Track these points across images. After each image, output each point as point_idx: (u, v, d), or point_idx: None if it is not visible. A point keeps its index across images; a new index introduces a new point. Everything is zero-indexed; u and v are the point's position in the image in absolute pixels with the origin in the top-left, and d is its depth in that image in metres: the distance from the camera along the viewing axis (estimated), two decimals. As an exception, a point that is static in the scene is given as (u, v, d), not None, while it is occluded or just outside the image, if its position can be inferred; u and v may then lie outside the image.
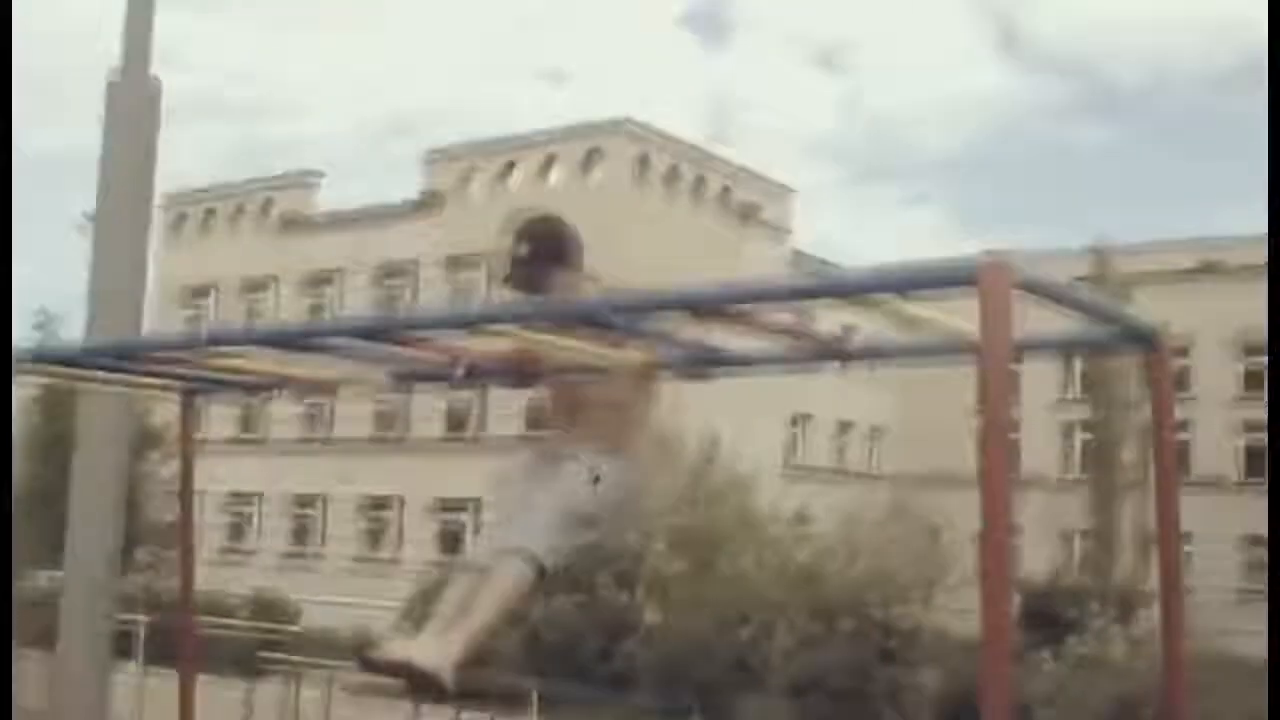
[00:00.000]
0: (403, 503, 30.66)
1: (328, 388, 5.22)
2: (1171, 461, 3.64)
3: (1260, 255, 33.51)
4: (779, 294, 3.20)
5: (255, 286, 34.77)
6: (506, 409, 27.85)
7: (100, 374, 4.68)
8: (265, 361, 4.37)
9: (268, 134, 75.65)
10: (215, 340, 4.28)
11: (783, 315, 3.61)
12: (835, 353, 3.82)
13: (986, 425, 2.55)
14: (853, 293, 2.94)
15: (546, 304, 3.75)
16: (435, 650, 3.64)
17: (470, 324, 3.86)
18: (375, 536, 31.43)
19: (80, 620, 6.36)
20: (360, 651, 3.94)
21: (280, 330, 4.25)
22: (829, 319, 3.65)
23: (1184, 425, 32.66)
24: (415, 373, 4.44)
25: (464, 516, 29.48)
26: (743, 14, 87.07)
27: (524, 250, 3.93)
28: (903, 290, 2.87)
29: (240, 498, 32.32)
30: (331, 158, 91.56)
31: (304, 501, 32.12)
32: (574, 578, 20.16)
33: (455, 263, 31.34)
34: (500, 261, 3.97)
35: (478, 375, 4.22)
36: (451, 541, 29.49)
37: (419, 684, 3.59)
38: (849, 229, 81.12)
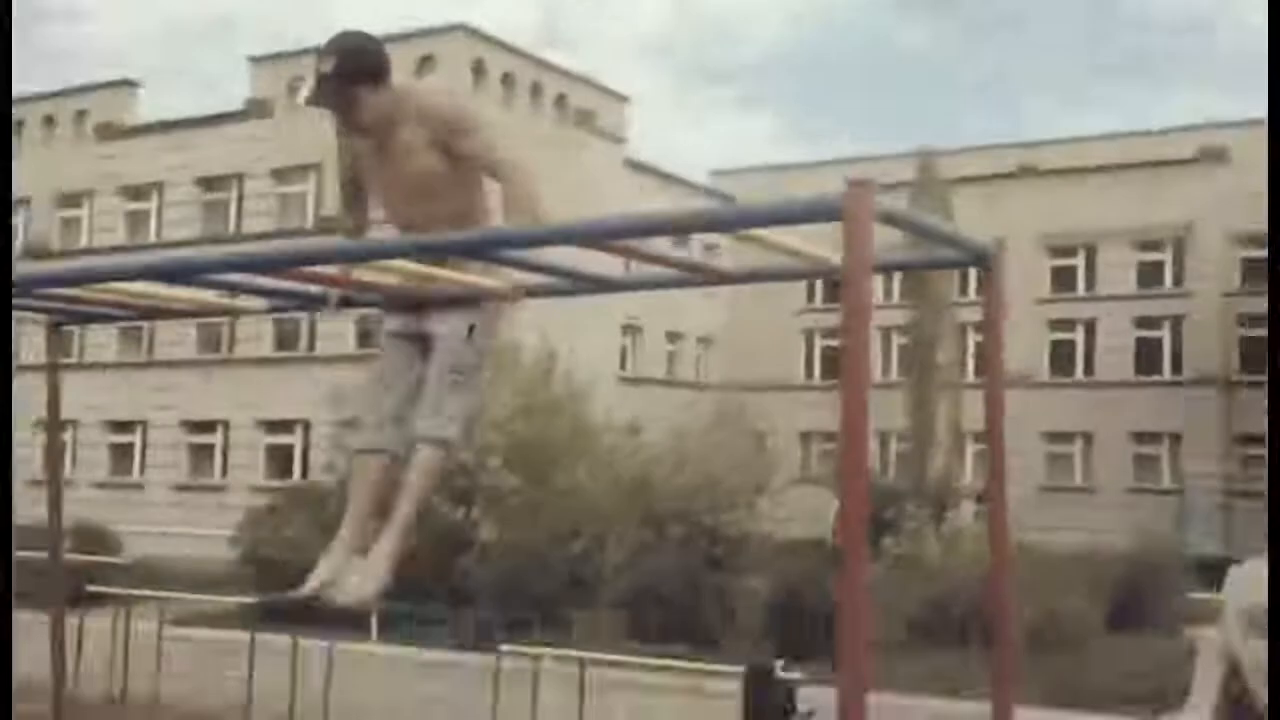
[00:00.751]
0: (228, 426, 30.09)
1: (203, 314, 5.22)
2: (998, 373, 3.93)
3: (1070, 159, 35.24)
4: (664, 228, 3.40)
5: (70, 201, 33.30)
6: (337, 325, 27.52)
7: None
8: (136, 291, 4.33)
9: (47, 39, 71.55)
10: (103, 276, 4.21)
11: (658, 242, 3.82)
12: (705, 276, 4.08)
13: (848, 339, 2.86)
14: (732, 227, 3.21)
15: (439, 240, 3.73)
16: (366, 583, 3.76)
17: (362, 258, 3.92)
18: (199, 462, 30.83)
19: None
20: (285, 591, 4.05)
21: (173, 262, 4.21)
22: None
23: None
24: (290, 302, 4.46)
25: (293, 439, 29.15)
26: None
27: (329, 66, 3.78)
28: (777, 223, 3.15)
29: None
30: (134, 64, 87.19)
31: (122, 427, 31.24)
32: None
33: (283, 174, 30.55)
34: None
35: (350, 304, 4.33)
36: (282, 463, 29.16)
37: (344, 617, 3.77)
38: (684, 132, 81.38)
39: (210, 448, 30.48)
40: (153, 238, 31.75)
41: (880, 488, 23.16)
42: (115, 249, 30.83)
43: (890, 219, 2.94)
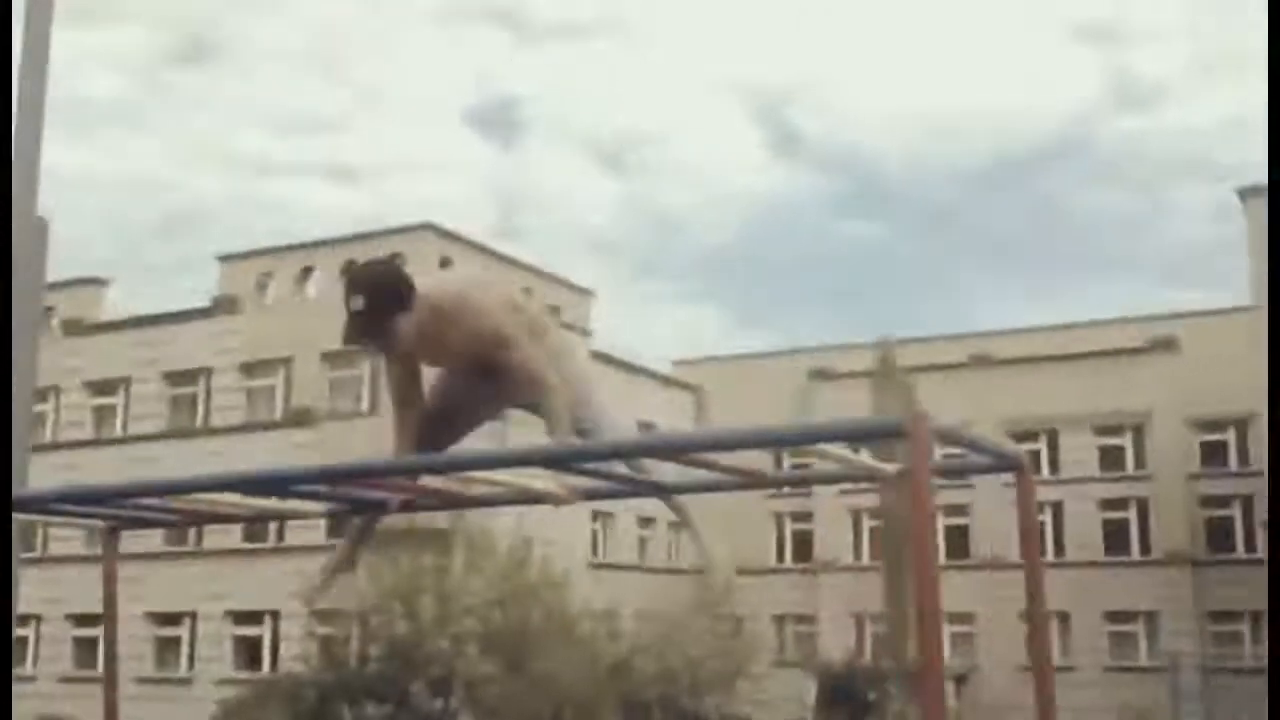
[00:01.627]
0: (195, 617, 29.53)
1: (257, 519, 5.23)
2: (1038, 572, 4.12)
3: (1023, 348, 36.28)
4: (743, 443, 3.66)
5: (37, 396, 33.24)
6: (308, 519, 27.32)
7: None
8: (197, 498, 4.42)
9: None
10: (198, 488, 4.27)
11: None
12: (762, 481, 4.29)
13: (917, 541, 3.18)
14: (799, 443, 3.49)
15: (515, 453, 3.77)
16: None
17: (446, 470, 4.07)
18: (165, 654, 30.11)
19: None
20: None
21: (269, 475, 4.29)
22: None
23: (962, 509, 34.53)
24: (348, 505, 4.49)
25: (262, 629, 28.61)
26: (528, 113, 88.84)
27: (359, 304, 3.84)
28: (840, 439, 3.43)
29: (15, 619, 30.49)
30: (91, 260, 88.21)
31: (86, 620, 30.57)
32: (385, 686, 19.94)
33: (251, 369, 30.78)
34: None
35: (410, 506, 4.43)
36: (250, 655, 28.54)
37: None
38: (631, 325, 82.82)
39: (177, 640, 29.82)
40: (119, 431, 31.70)
41: (863, 670, 23.09)
42: (82, 443, 30.69)
43: (944, 436, 3.32)
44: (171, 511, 4.59)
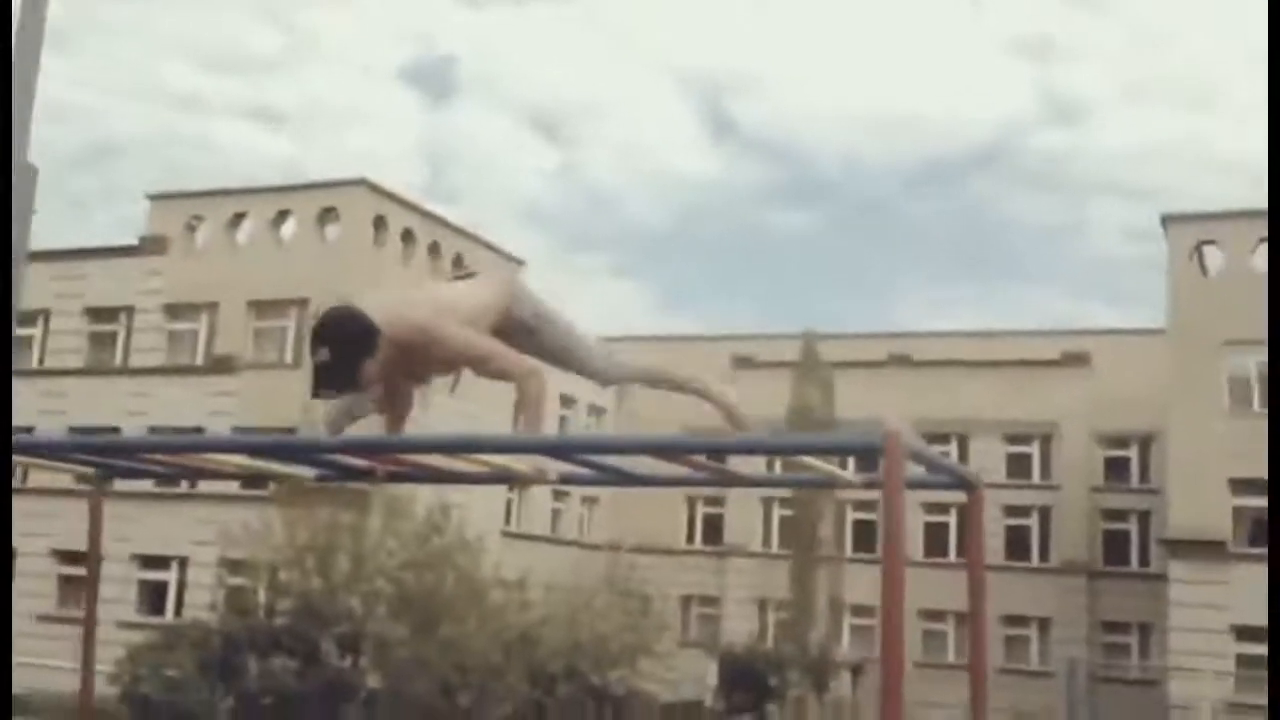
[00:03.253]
0: (100, 558, 29.17)
1: (248, 477, 5.34)
2: (981, 593, 4.42)
3: (942, 352, 37.03)
4: (726, 449, 3.88)
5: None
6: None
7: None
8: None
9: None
10: (201, 447, 4.41)
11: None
12: (737, 480, 4.52)
13: (886, 554, 3.42)
14: (782, 453, 3.73)
15: (535, 440, 3.98)
16: None
17: (458, 451, 4.20)
18: (68, 593, 29.71)
19: None
20: None
21: (291, 442, 4.41)
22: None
23: (872, 505, 35.21)
24: (339, 472, 4.64)
25: (168, 575, 28.37)
26: (465, 74, 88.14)
27: (324, 355, 3.90)
28: (820, 452, 3.67)
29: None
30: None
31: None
32: (294, 641, 19.92)
33: (176, 310, 30.38)
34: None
35: (396, 478, 4.58)
36: (155, 600, 28.28)
37: None
38: (558, 297, 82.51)
39: (79, 579, 29.42)
40: (35, 364, 31.13)
41: (765, 654, 23.54)
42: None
43: (915, 456, 3.64)
44: (163, 464, 4.69)
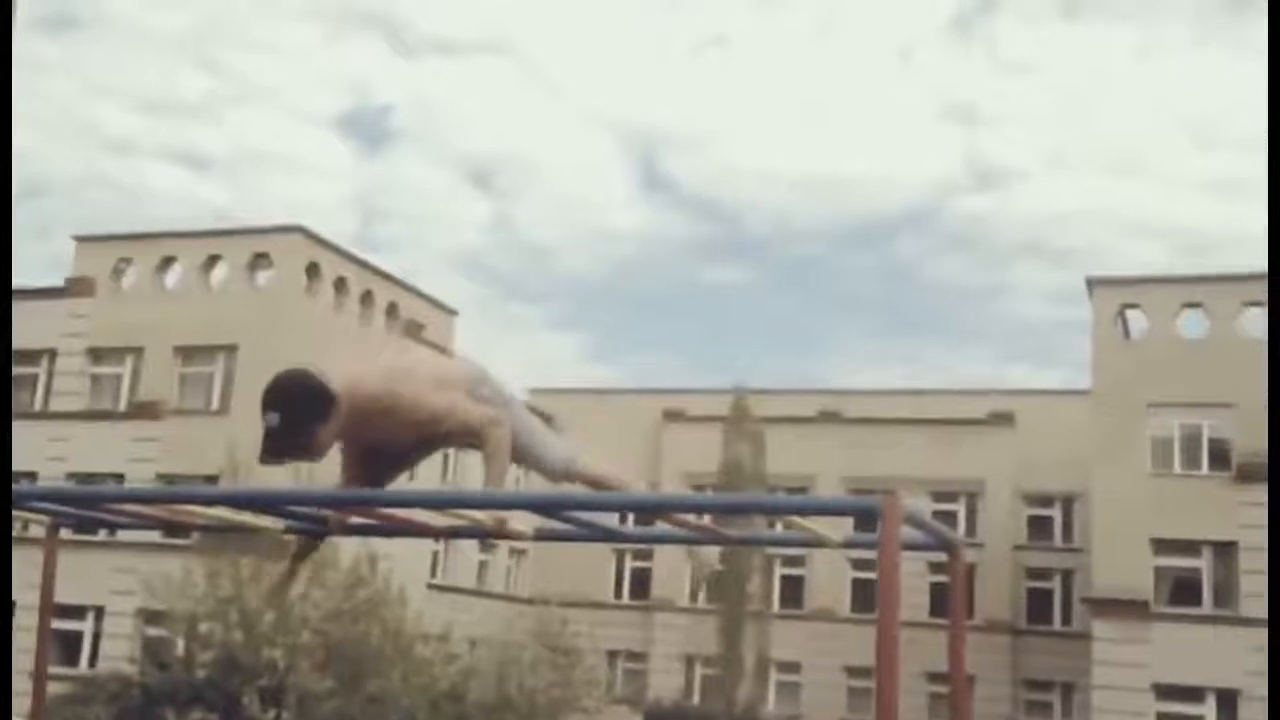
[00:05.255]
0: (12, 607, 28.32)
1: (219, 529, 5.21)
2: (961, 650, 4.47)
3: (871, 409, 37.41)
4: (720, 508, 3.91)
5: None
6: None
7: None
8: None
9: None
10: (197, 500, 4.30)
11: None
12: (722, 539, 4.51)
13: (881, 613, 3.44)
14: (774, 513, 3.75)
15: (509, 497, 3.93)
16: None
17: (442, 507, 4.16)
18: (-24, 642, 28.79)
19: None
20: None
21: (269, 494, 4.30)
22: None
23: (800, 561, 35.31)
24: (304, 526, 4.55)
25: (84, 625, 27.56)
26: (399, 123, 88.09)
27: (274, 420, 3.76)
28: (817, 513, 3.68)
29: None
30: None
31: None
32: (214, 694, 19.49)
33: (99, 355, 29.81)
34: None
35: (350, 532, 4.51)
36: (68, 651, 27.46)
37: None
38: (493, 347, 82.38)
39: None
40: (-50, 406, 30.30)
41: (692, 711, 23.45)
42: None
43: (912, 520, 3.67)
44: (138, 517, 4.59)
